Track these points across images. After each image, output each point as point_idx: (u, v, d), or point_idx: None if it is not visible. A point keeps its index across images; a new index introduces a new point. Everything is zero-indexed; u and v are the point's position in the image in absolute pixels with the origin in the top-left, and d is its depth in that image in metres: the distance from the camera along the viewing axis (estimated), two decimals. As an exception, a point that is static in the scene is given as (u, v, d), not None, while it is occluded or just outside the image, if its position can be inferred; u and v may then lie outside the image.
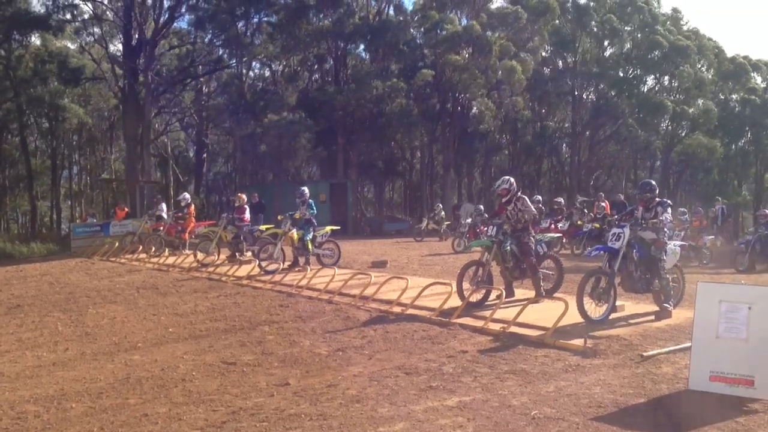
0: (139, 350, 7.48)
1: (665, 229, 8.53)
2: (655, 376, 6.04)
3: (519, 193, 9.64)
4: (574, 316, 7.85)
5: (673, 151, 43.66)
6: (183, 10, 31.73)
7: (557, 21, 38.51)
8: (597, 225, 17.89)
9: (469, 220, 21.29)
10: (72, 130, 39.45)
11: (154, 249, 17.94)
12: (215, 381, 6.17)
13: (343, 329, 8.24)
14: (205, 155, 41.25)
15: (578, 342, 7.11)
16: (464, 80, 32.92)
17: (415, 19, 37.16)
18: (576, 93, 41.90)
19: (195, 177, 42.04)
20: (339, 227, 16.71)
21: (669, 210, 8.49)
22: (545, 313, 8.08)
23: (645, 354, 6.64)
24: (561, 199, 21.81)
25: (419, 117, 34.95)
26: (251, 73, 37.68)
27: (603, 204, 20.20)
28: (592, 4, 40.26)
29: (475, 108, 37.48)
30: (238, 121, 31.56)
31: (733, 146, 45.54)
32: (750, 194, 47.68)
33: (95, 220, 25.76)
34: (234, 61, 34.56)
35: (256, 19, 33.60)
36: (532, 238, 9.54)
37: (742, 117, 43.56)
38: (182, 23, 34.33)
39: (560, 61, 42.39)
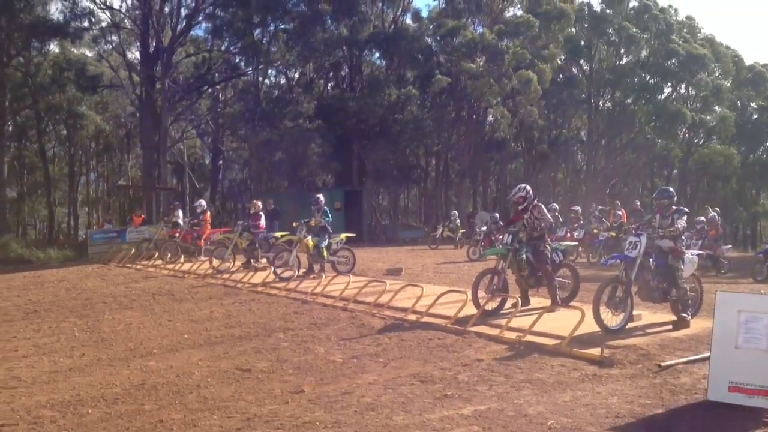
0: (155, 356, 7.50)
1: (682, 238, 8.46)
2: (674, 387, 5.96)
3: (536, 201, 9.56)
4: (590, 325, 7.78)
5: (691, 160, 43.32)
6: (200, 18, 32.06)
7: (573, 29, 38.41)
8: (613, 233, 17.78)
9: (484, 228, 21.23)
10: (89, 137, 39.88)
11: (169, 256, 18.03)
12: (230, 388, 6.18)
13: (357, 337, 8.22)
14: (220, 162, 41.50)
15: (595, 351, 7.03)
16: (479, 88, 32.90)
17: (431, 27, 37.24)
18: (592, 101, 41.73)
19: (211, 184, 42.30)
20: (354, 234, 16.68)
21: (685, 218, 8.40)
22: (561, 322, 8.02)
23: (663, 364, 6.57)
24: (577, 208, 21.68)
25: (434, 124, 34.98)
26: (267, 81, 37.93)
27: (619, 212, 20.07)
28: (608, 11, 40.15)
29: (490, 116, 37.44)
30: (253, 129, 31.72)
31: (751, 155, 45.11)
32: (768, 203, 47.21)
33: (112, 227, 25.93)
34: (250, 68, 34.81)
35: (272, 27, 33.85)
36: (548, 247, 9.46)
37: (760, 125, 43.15)
38: (199, 31, 34.71)
39: (576, 69, 42.26)
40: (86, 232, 30.04)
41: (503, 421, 5.13)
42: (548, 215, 9.60)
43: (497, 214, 23.92)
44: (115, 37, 32.49)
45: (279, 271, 13.53)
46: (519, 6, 38.21)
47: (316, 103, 34.62)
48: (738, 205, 44.02)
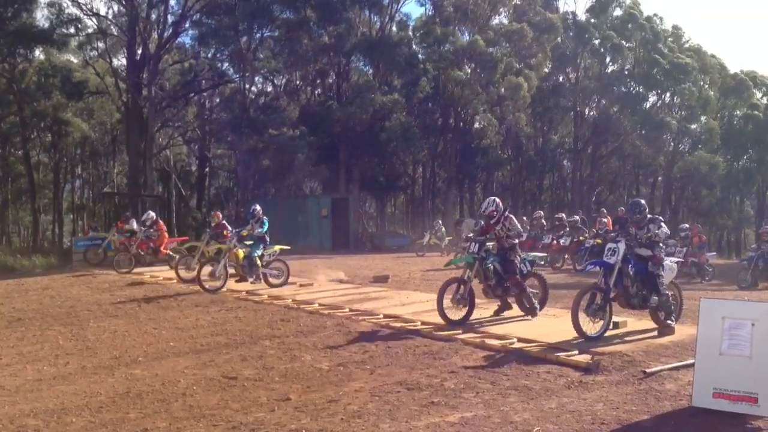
0: (140, 364, 7.44)
1: (661, 245, 8.50)
2: (659, 393, 6.00)
3: (506, 213, 9.64)
4: (571, 332, 7.83)
5: (675, 167, 43.73)
6: (186, 25, 32.01)
7: (558, 39, 38.72)
8: (599, 241, 17.83)
9: (471, 235, 21.25)
10: (75, 144, 39.53)
11: (121, 265, 17.38)
12: (216, 396, 6.14)
13: (344, 344, 8.21)
14: (207, 170, 41.34)
15: (581, 358, 7.08)
16: (466, 96, 33.06)
17: (418, 35, 37.38)
18: (578, 109, 42.05)
19: (197, 191, 42.11)
20: (289, 246, 15.60)
21: (662, 225, 8.40)
22: (547, 329, 8.06)
23: (648, 370, 6.61)
24: (563, 215, 21.77)
25: (420, 132, 35.05)
26: (254, 88, 37.86)
27: (605, 220, 20.19)
28: (593, 20, 40.51)
29: (477, 123, 37.60)
30: (240, 136, 31.67)
31: (736, 163, 45.60)
32: (753, 210, 47.66)
33: (96, 234, 25.61)
34: (237, 76, 34.77)
35: (258, 35, 33.84)
36: (518, 257, 9.47)
37: (745, 133, 43.65)
38: (186, 38, 34.61)
39: (562, 77, 42.58)
40: (71, 239, 29.71)
41: (489, 428, 5.14)
42: (518, 226, 9.67)
43: (483, 222, 23.95)
44: (101, 44, 32.34)
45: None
46: (505, 14, 38.49)
47: (302, 110, 34.62)
48: (722, 212, 44.43)
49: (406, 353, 7.65)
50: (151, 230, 18.16)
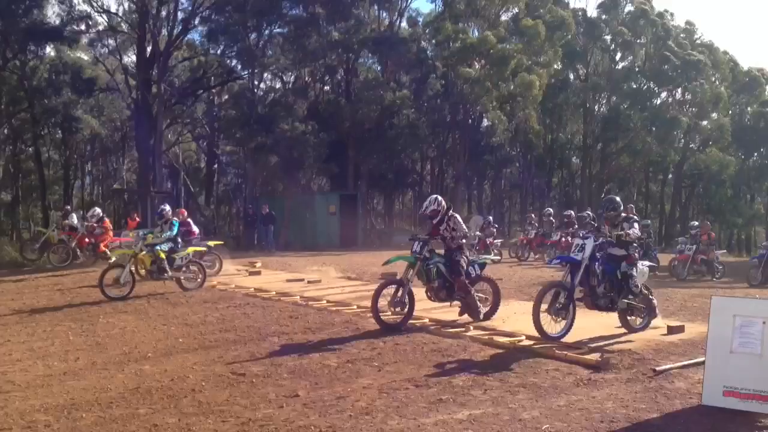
0: (150, 360, 7.48)
1: (635, 245, 8.27)
2: (668, 391, 5.97)
3: (450, 212, 9.09)
4: (585, 330, 7.80)
5: (686, 164, 43.44)
6: (196, 22, 32.00)
7: (568, 35, 38.49)
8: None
9: (478, 233, 21.22)
10: (85, 141, 39.72)
11: (55, 260, 17.35)
12: (225, 392, 6.16)
13: (352, 341, 8.21)
14: (215, 166, 41.43)
15: (590, 356, 7.05)
16: (476, 93, 32.94)
17: (427, 31, 37.26)
18: (587, 105, 41.81)
19: (206, 188, 42.22)
20: (204, 249, 14.70)
21: (636, 225, 8.11)
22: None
23: (658, 369, 6.58)
24: (571, 212, 21.71)
25: (429, 129, 34.99)
26: (262, 85, 37.88)
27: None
28: (604, 17, 40.26)
29: (486, 120, 37.45)
30: (249, 133, 31.68)
31: (747, 160, 45.25)
32: (763, 208, 47.30)
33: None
34: (246, 72, 34.78)
35: (267, 31, 33.83)
36: (464, 258, 8.96)
37: (756, 130, 43.30)
38: (195, 35, 34.63)
39: (571, 73, 42.35)
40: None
41: (498, 425, 5.13)
42: (463, 225, 9.10)
43: (491, 217, 23.90)
44: (111, 41, 32.48)
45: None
46: (515, 11, 38.26)
47: (310, 107, 34.63)
48: (733, 210, 44.09)
49: (414, 350, 7.64)
50: (95, 226, 17.68)
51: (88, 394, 6.15)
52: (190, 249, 13.32)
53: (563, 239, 19.15)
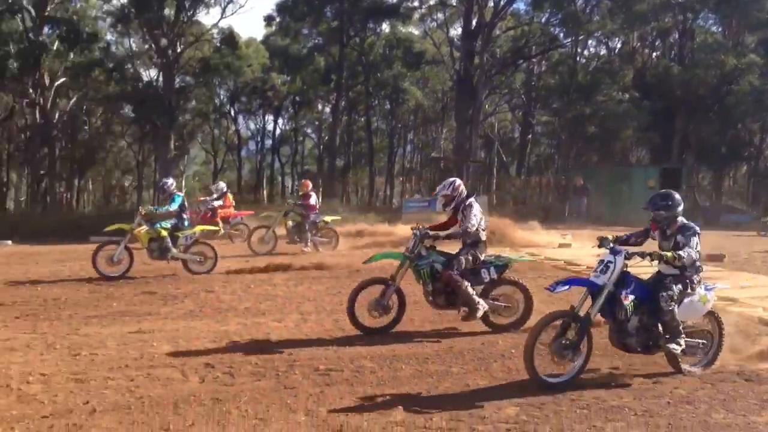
0: (464, 325, 7.42)
1: (695, 267, 5.74)
2: None
3: (470, 200, 7.37)
4: None
5: None
6: (523, -8, 32.04)
7: None
8: None
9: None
10: (409, 111, 42.86)
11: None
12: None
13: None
14: (529, 137, 41.39)
15: None
16: None
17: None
18: None
19: (518, 158, 42.52)
20: (218, 228, 13.95)
21: (696, 240, 5.63)
22: None
23: None
24: None
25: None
26: (585, 52, 36.52)
27: None
28: None
29: None
30: (567, 102, 30.93)
31: None
32: None
33: (421, 196, 27.59)
34: (568, 40, 33.84)
35: (596, -5, 32.38)
36: (469, 257, 7.19)
37: None
38: (520, 4, 34.82)
39: None
40: (401, 200, 32.53)
41: None
42: (473, 219, 7.24)
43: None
44: (440, 15, 34.24)
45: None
46: None
47: (637, 74, 32.39)
48: None
49: (745, 340, 6.64)
50: (215, 202, 16.92)
51: (408, 348, 6.55)
52: (198, 228, 11.94)
53: None
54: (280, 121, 43.13)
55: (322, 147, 43.62)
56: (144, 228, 11.04)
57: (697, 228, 5.71)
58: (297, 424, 4.53)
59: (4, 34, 28.82)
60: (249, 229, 15.33)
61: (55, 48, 29.64)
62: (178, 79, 32.51)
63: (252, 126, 43.50)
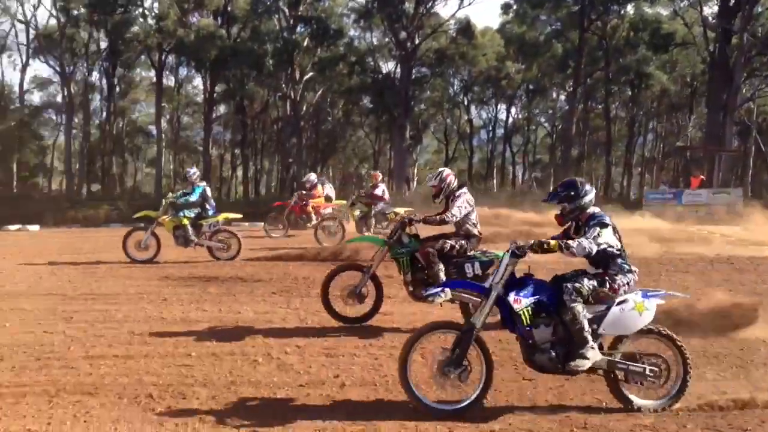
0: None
1: (616, 262, 4.79)
2: None
3: (460, 191, 7.02)
4: None
5: None
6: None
7: None
8: None
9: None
10: (653, 97, 39.97)
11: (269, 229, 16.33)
12: None
13: None
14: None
15: None
16: None
17: None
18: None
19: None
20: (240, 215, 14.00)
21: (597, 230, 4.61)
22: None
23: None
24: None
25: None
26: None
27: None
28: None
29: None
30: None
31: None
32: None
33: (667, 188, 25.70)
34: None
35: None
36: (455, 244, 6.81)
37: None
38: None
39: None
40: (642, 191, 30.45)
41: None
42: (458, 210, 6.85)
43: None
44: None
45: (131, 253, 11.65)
46: None
47: None
48: None
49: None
50: (307, 193, 16.33)
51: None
52: (221, 216, 12.22)
53: None
54: (512, 109, 42.97)
55: (555, 136, 42.56)
56: (168, 216, 11.79)
57: (607, 218, 4.77)
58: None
59: (263, 34, 32.44)
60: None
61: (305, 45, 32.58)
62: (414, 71, 33.84)
63: (484, 115, 43.90)
